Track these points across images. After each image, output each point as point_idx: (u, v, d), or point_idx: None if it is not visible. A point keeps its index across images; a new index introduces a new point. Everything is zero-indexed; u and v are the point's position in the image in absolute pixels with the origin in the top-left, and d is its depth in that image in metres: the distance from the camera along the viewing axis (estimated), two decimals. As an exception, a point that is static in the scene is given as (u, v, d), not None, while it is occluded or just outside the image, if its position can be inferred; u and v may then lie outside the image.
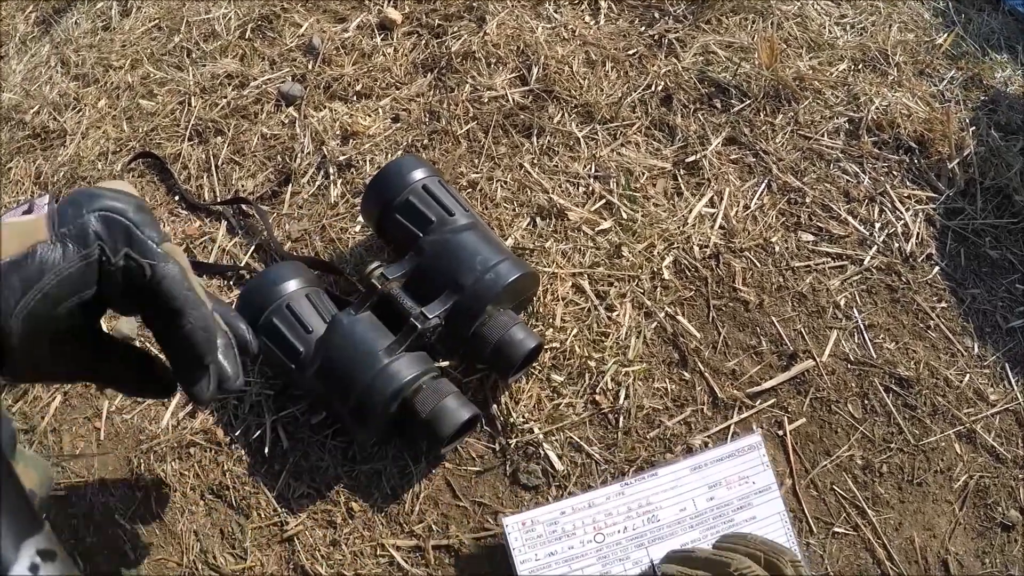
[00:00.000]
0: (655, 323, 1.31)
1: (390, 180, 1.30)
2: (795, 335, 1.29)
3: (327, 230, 1.45)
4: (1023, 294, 1.33)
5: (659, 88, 1.57)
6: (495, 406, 1.25)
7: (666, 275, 1.35)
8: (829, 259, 1.36)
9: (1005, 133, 1.47)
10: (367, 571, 1.16)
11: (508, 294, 1.21)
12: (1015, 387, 1.25)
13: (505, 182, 1.47)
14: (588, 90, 1.57)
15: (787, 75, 1.54)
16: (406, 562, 1.16)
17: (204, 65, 1.73)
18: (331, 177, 1.52)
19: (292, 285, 1.23)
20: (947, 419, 1.22)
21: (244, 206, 1.51)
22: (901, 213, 1.39)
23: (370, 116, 1.59)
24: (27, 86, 1.80)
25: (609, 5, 1.72)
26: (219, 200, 1.52)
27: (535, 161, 1.49)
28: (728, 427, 1.22)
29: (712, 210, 1.42)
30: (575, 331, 1.30)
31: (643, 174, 1.46)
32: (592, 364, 1.27)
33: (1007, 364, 1.26)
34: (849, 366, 1.27)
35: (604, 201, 1.43)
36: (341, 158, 1.52)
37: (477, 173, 1.48)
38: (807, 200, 1.41)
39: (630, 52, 1.63)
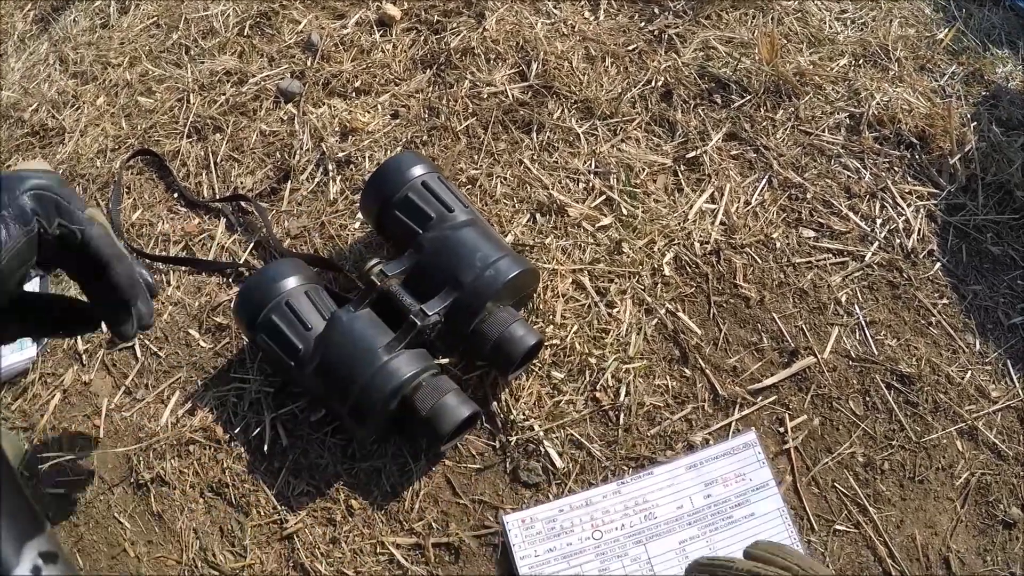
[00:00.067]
0: (656, 320, 1.31)
1: (389, 176, 1.30)
2: (796, 332, 1.29)
3: (326, 227, 1.45)
4: (1025, 290, 1.33)
5: (659, 84, 1.56)
6: (495, 403, 1.25)
7: (667, 271, 1.34)
8: (830, 255, 1.35)
9: (1006, 129, 1.46)
10: (367, 569, 1.16)
11: (508, 291, 1.21)
12: (1016, 384, 1.24)
13: (505, 178, 1.46)
14: (588, 86, 1.57)
15: (788, 70, 1.53)
16: (406, 560, 1.16)
17: (203, 62, 1.72)
18: (330, 174, 1.51)
19: (291, 282, 1.23)
20: (948, 416, 1.21)
21: (243, 203, 1.51)
22: (902, 209, 1.39)
23: (369, 112, 1.59)
24: (26, 84, 1.79)
25: (608, 0, 1.71)
26: (218, 197, 1.52)
27: (535, 157, 1.48)
28: (729, 424, 1.22)
29: (713, 206, 1.41)
30: (575, 328, 1.29)
31: (643, 170, 1.45)
32: (592, 361, 1.26)
33: (1009, 361, 1.26)
34: (850, 363, 1.26)
35: (604, 197, 1.43)
36: (340, 154, 1.52)
37: (476, 169, 1.48)
38: (808, 196, 1.41)
39: (630, 48, 1.63)
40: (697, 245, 1.37)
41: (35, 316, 0.97)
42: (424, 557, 1.16)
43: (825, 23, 1.64)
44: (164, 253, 1.47)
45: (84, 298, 0.95)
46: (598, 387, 1.25)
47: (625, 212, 1.40)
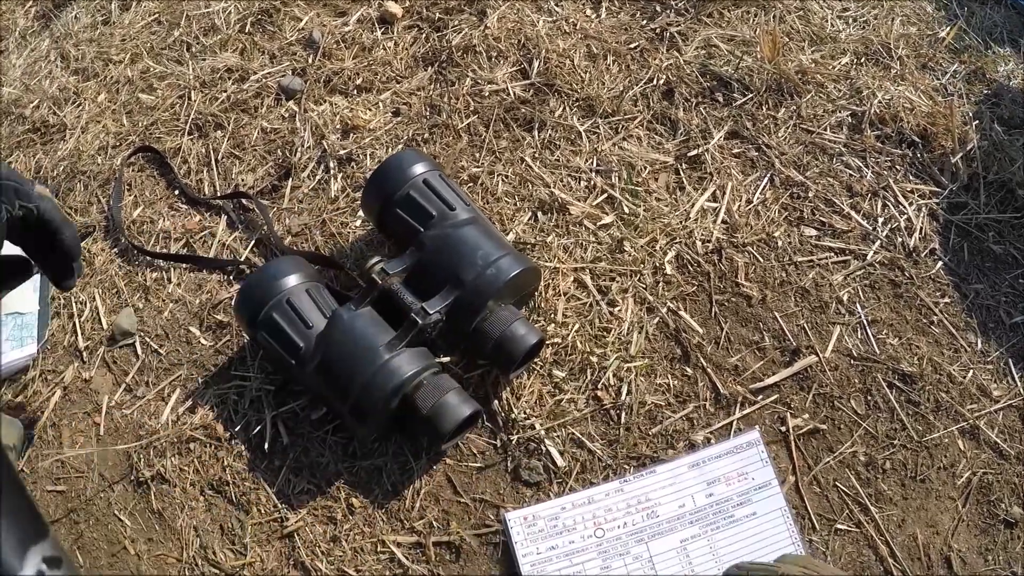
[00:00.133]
0: (657, 318, 1.31)
1: (390, 174, 1.30)
2: (798, 330, 1.29)
3: (327, 224, 1.45)
4: (1027, 289, 1.33)
5: (661, 82, 1.56)
6: (496, 402, 1.25)
7: (668, 270, 1.34)
8: (832, 254, 1.35)
9: (1008, 127, 1.46)
10: (367, 567, 1.16)
11: (509, 289, 1.21)
12: (1018, 383, 1.24)
13: (506, 176, 1.46)
14: (589, 84, 1.56)
15: (789, 69, 1.53)
16: (407, 558, 1.16)
17: (204, 59, 1.72)
18: (331, 171, 1.51)
19: (292, 280, 1.23)
20: (950, 415, 1.21)
21: (244, 200, 1.50)
22: (904, 208, 1.39)
23: (370, 110, 1.58)
24: (27, 80, 1.79)
25: (611, -2, 1.72)
26: (219, 194, 1.52)
27: (536, 155, 1.48)
28: (730, 423, 1.22)
29: (714, 204, 1.41)
30: (577, 326, 1.29)
31: (645, 168, 1.45)
32: (594, 360, 1.26)
33: (1010, 360, 1.26)
34: (852, 362, 1.26)
35: (606, 195, 1.42)
36: (341, 152, 1.52)
37: (478, 167, 1.48)
38: (810, 194, 1.41)
39: (632, 46, 1.62)
40: (699, 244, 1.36)
41: None
42: (425, 556, 1.16)
43: (827, 21, 1.64)
44: (165, 250, 1.47)
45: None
46: (599, 386, 1.25)
47: (627, 210, 1.40)
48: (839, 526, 1.14)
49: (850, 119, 1.49)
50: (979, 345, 1.27)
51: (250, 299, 1.23)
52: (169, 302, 1.41)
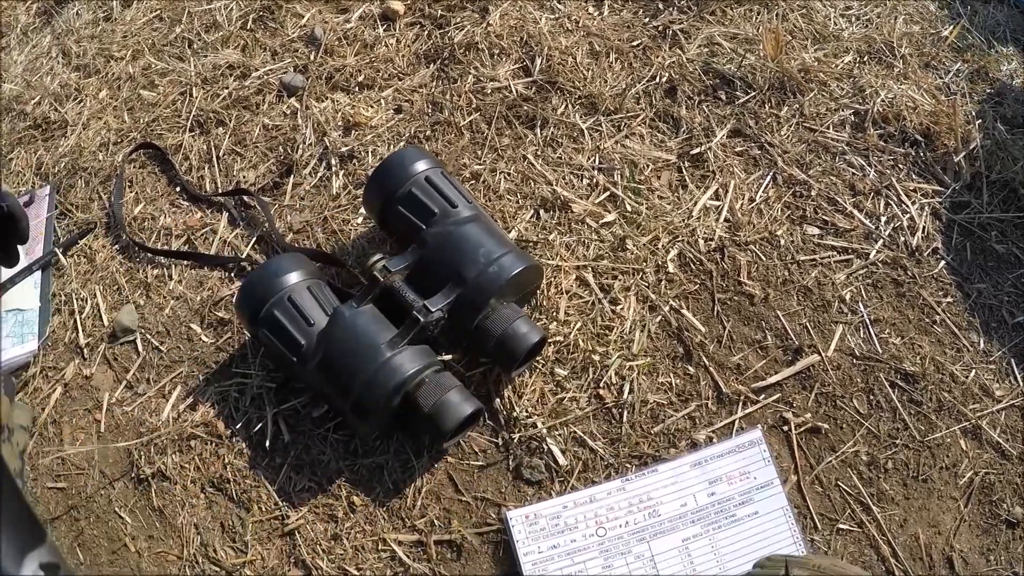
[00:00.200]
0: (659, 317, 1.30)
1: (392, 171, 1.29)
2: (800, 329, 1.29)
3: (329, 222, 1.45)
4: (1029, 289, 1.32)
5: (663, 79, 1.56)
6: (498, 400, 1.24)
7: (671, 268, 1.34)
8: (835, 253, 1.35)
9: (1011, 126, 1.46)
10: (368, 565, 1.15)
11: (512, 287, 1.21)
12: (1020, 383, 1.24)
13: (508, 174, 1.46)
14: (592, 81, 1.56)
15: (792, 67, 1.53)
16: (408, 557, 1.16)
17: (205, 56, 1.72)
18: (333, 168, 1.51)
19: (294, 277, 1.23)
20: (953, 415, 1.21)
21: (246, 197, 1.50)
22: (907, 207, 1.38)
23: (372, 107, 1.58)
24: (28, 77, 1.79)
25: (613, -4, 1.71)
26: (220, 191, 1.52)
27: (539, 153, 1.48)
28: (733, 422, 1.22)
29: (717, 203, 1.41)
30: (579, 325, 1.29)
31: (647, 166, 1.45)
32: (596, 358, 1.26)
33: (1013, 359, 1.26)
34: (854, 361, 1.26)
35: (608, 193, 1.42)
36: (343, 149, 1.52)
37: (480, 165, 1.47)
38: (812, 193, 1.40)
39: (634, 43, 1.62)
40: (701, 242, 1.36)
41: None
42: (426, 554, 1.16)
43: (830, 19, 1.64)
44: (166, 247, 1.47)
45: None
46: (601, 384, 1.25)
47: (629, 208, 1.40)
48: (841, 526, 1.14)
49: (853, 118, 1.49)
50: (981, 345, 1.27)
51: (251, 296, 1.23)
52: (170, 299, 1.41)
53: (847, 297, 1.31)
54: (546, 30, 1.63)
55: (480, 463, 1.22)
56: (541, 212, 1.41)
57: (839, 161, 1.44)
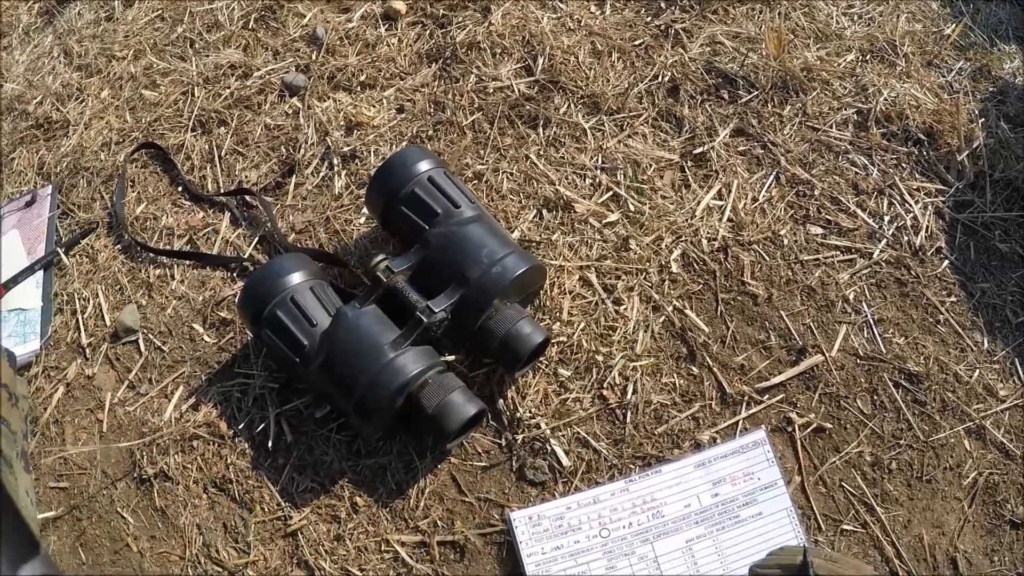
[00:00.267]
0: (663, 317, 1.30)
1: (395, 171, 1.29)
2: (804, 329, 1.28)
3: (331, 222, 1.45)
4: (1033, 288, 1.32)
5: (666, 79, 1.56)
6: (501, 401, 1.24)
7: (674, 268, 1.34)
8: (838, 252, 1.35)
9: (1014, 125, 1.45)
10: (371, 567, 1.15)
11: (515, 287, 1.21)
12: (1025, 382, 1.24)
13: (511, 174, 1.46)
14: (594, 81, 1.56)
15: (795, 66, 1.53)
16: (411, 558, 1.16)
17: (207, 55, 1.72)
18: (335, 168, 1.51)
19: (296, 277, 1.23)
20: (956, 415, 1.21)
21: (248, 197, 1.50)
22: (910, 206, 1.38)
23: (374, 107, 1.58)
24: (30, 76, 1.79)
25: (615, -5, 1.71)
26: (222, 191, 1.52)
27: (541, 152, 1.48)
28: (736, 423, 1.22)
29: (720, 202, 1.41)
30: (582, 325, 1.29)
31: (650, 166, 1.45)
32: (599, 358, 1.26)
33: (1017, 359, 1.25)
34: (858, 361, 1.26)
35: (611, 193, 1.42)
36: (345, 149, 1.52)
37: (483, 164, 1.47)
38: (816, 192, 1.40)
39: (636, 42, 1.62)
40: (704, 242, 1.36)
41: None
42: (429, 555, 1.16)
43: (832, 18, 1.64)
44: (168, 247, 1.47)
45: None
46: (605, 385, 1.24)
47: (632, 208, 1.40)
48: (845, 526, 1.14)
49: (856, 117, 1.48)
50: (985, 344, 1.27)
51: (254, 296, 1.23)
52: (172, 299, 1.41)
53: (851, 297, 1.31)
54: (548, 29, 1.63)
55: (483, 464, 1.21)
56: (544, 212, 1.41)
57: (842, 160, 1.44)
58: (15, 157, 1.64)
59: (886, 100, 1.48)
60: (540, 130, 1.51)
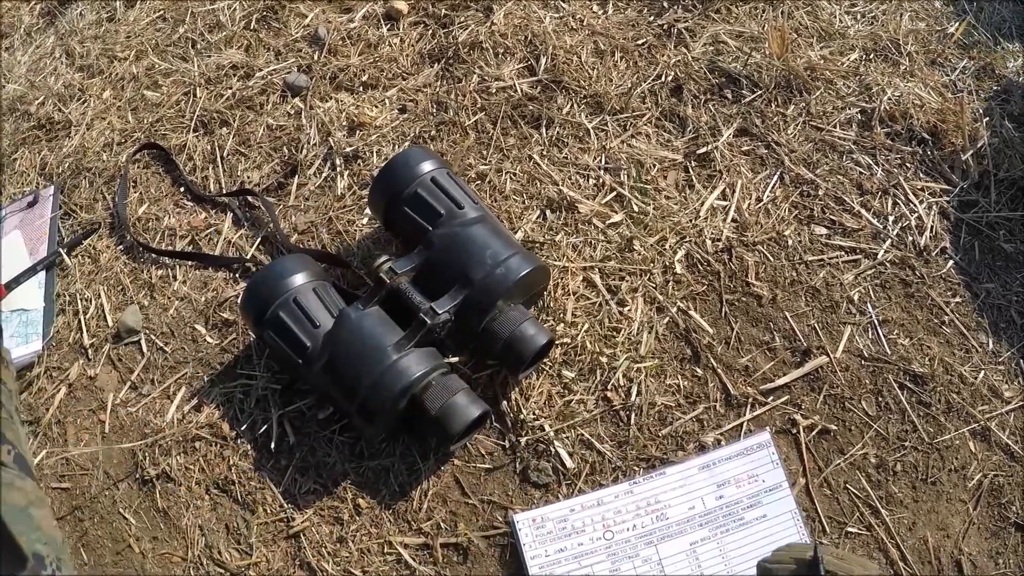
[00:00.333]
0: (667, 318, 1.30)
1: (398, 172, 1.29)
2: (808, 331, 1.28)
3: (334, 222, 1.44)
4: (1038, 289, 1.32)
5: (669, 78, 1.55)
6: (505, 403, 1.24)
7: (678, 269, 1.33)
8: (843, 253, 1.34)
9: (1018, 124, 1.45)
10: (374, 569, 1.15)
11: (519, 289, 1.20)
12: (1030, 384, 1.24)
13: (514, 174, 1.46)
14: (597, 80, 1.56)
15: (798, 65, 1.52)
16: (414, 560, 1.15)
17: (209, 56, 1.71)
18: (338, 168, 1.51)
19: (299, 279, 1.22)
20: (962, 417, 1.21)
21: (250, 198, 1.50)
22: (915, 206, 1.38)
23: (377, 107, 1.58)
24: (32, 77, 1.79)
25: (618, -6, 1.71)
26: (225, 191, 1.51)
27: (544, 153, 1.48)
28: (741, 424, 1.21)
29: (724, 203, 1.40)
30: (586, 326, 1.28)
31: (654, 166, 1.44)
32: (604, 360, 1.26)
33: (1022, 360, 1.25)
34: (863, 362, 1.25)
35: (615, 194, 1.42)
36: (348, 149, 1.51)
37: (486, 165, 1.47)
38: (820, 192, 1.40)
39: (639, 42, 1.62)
40: (709, 243, 1.36)
41: None
42: (432, 557, 1.15)
43: (835, 17, 1.63)
44: (170, 247, 1.46)
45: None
46: (609, 386, 1.24)
47: (636, 209, 1.39)
48: (849, 529, 1.14)
49: (860, 116, 1.48)
50: (990, 345, 1.26)
51: (256, 297, 1.23)
52: (175, 300, 1.41)
53: (855, 298, 1.30)
54: (551, 29, 1.63)
55: (487, 466, 1.21)
56: (547, 212, 1.41)
57: (846, 160, 1.43)
58: (17, 158, 1.64)
59: (890, 99, 1.48)
60: (543, 130, 1.50)
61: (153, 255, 1.46)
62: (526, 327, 1.18)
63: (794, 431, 1.20)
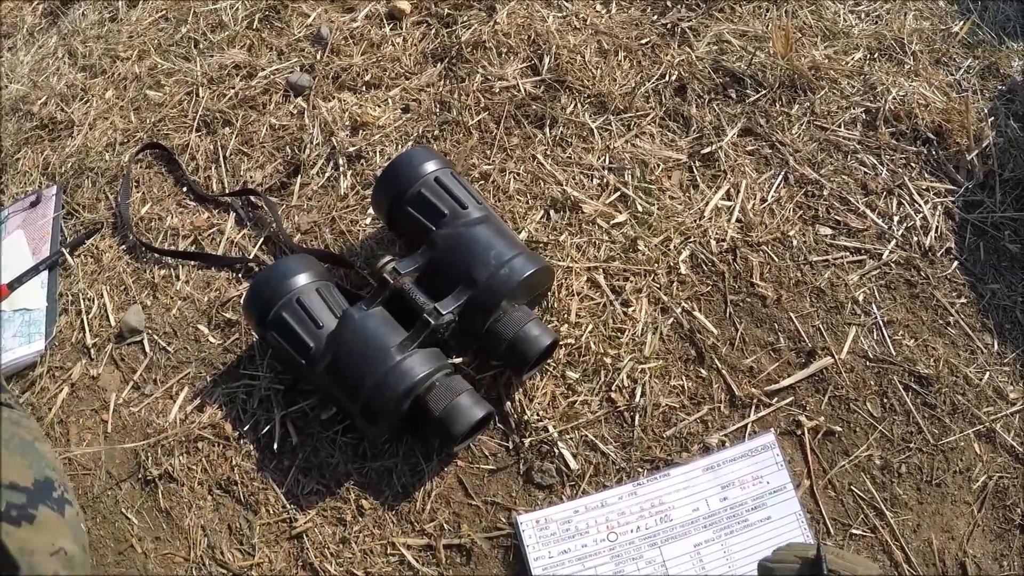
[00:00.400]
0: (672, 319, 1.29)
1: (401, 172, 1.29)
2: (813, 331, 1.28)
3: (337, 222, 1.44)
4: (1043, 290, 1.31)
5: (673, 78, 1.55)
6: (509, 404, 1.24)
7: (683, 269, 1.33)
8: (847, 253, 1.34)
9: (1023, 124, 1.44)
10: (377, 570, 1.15)
11: (523, 289, 1.20)
12: (1035, 385, 1.23)
13: (518, 174, 1.45)
14: (601, 80, 1.55)
15: (803, 64, 1.52)
16: (417, 561, 1.15)
17: (212, 55, 1.71)
18: (341, 168, 1.50)
19: (302, 279, 1.22)
20: (966, 418, 1.20)
21: (253, 197, 1.50)
22: (920, 206, 1.37)
23: (380, 106, 1.57)
24: (35, 77, 1.79)
25: (622, -7, 1.70)
26: (227, 191, 1.51)
27: (548, 152, 1.47)
28: (745, 425, 1.21)
29: (728, 203, 1.40)
30: (590, 327, 1.28)
31: (658, 166, 1.44)
32: (608, 361, 1.25)
33: (1027, 361, 1.25)
34: (868, 363, 1.25)
35: (619, 193, 1.41)
36: (351, 149, 1.51)
37: (489, 165, 1.47)
38: (824, 192, 1.39)
39: (643, 41, 1.61)
40: (713, 243, 1.35)
41: None
42: (435, 558, 1.15)
43: (839, 16, 1.63)
44: (173, 247, 1.46)
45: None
46: (613, 387, 1.24)
47: (640, 209, 1.39)
48: (854, 531, 1.14)
49: (864, 116, 1.48)
50: (995, 346, 1.26)
51: (259, 297, 1.22)
52: (177, 299, 1.40)
53: (860, 298, 1.30)
54: (554, 28, 1.63)
55: (490, 467, 1.21)
56: (551, 213, 1.40)
57: (851, 160, 1.43)
58: (20, 157, 1.64)
59: (895, 99, 1.48)
60: (547, 130, 1.50)
61: (156, 255, 1.45)
62: (530, 328, 1.17)
63: (799, 432, 1.20)
